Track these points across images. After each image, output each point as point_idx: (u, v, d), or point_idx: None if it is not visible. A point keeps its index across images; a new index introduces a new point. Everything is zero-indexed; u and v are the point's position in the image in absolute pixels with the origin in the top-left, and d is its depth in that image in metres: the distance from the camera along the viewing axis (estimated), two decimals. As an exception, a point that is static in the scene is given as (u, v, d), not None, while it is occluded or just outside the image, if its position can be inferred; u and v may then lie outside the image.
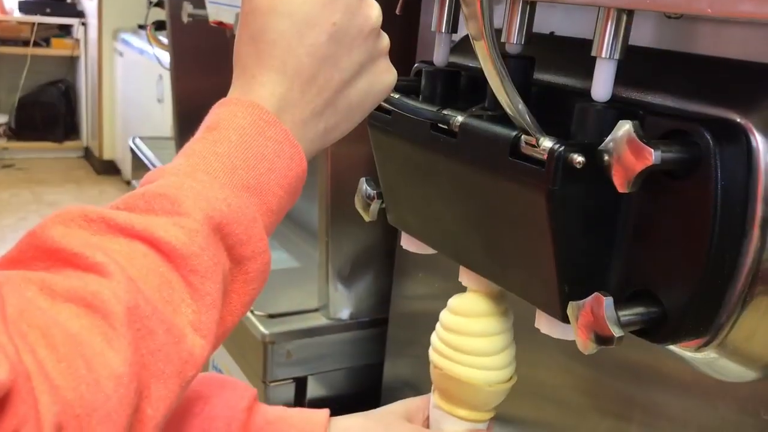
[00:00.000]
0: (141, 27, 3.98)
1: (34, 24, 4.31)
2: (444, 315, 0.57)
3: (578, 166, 0.41)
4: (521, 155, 0.43)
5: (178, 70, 1.38)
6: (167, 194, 0.39)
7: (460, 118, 0.48)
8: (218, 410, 0.57)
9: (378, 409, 0.61)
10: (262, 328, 0.84)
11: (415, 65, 0.60)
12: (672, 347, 0.47)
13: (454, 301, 0.57)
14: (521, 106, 0.42)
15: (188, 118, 1.42)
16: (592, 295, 0.42)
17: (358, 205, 0.65)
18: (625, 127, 0.39)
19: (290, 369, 0.86)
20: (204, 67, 1.38)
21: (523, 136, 0.43)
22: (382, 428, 0.58)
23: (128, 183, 3.66)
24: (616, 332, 0.41)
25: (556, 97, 0.51)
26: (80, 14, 4.41)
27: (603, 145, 0.40)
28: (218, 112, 0.44)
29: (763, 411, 0.48)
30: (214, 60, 1.38)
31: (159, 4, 2.19)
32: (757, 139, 0.41)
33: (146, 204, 0.39)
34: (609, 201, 0.43)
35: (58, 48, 4.44)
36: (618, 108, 0.44)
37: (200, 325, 0.38)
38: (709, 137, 0.40)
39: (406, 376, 0.87)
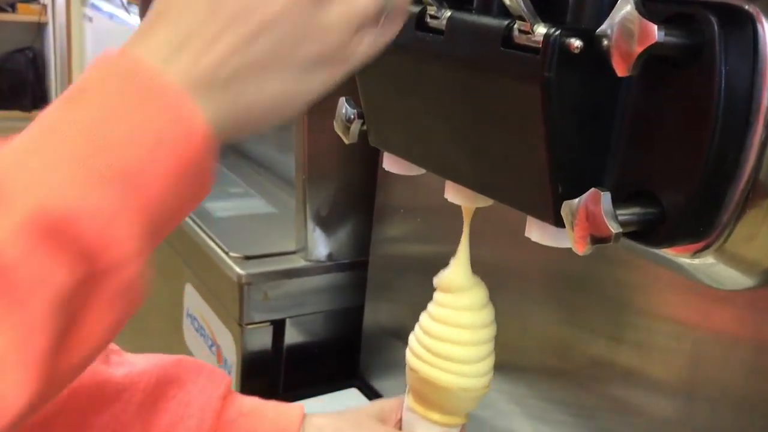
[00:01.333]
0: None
1: (-1, -12, 4.18)
2: (424, 318, 0.57)
3: (576, 51, 0.38)
4: (514, 45, 0.40)
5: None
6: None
7: (447, 13, 0.45)
8: (193, 396, 0.56)
9: (351, 409, 0.61)
10: (237, 269, 0.82)
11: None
12: (668, 254, 0.45)
13: (435, 309, 0.56)
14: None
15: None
16: (589, 191, 0.39)
17: (338, 128, 0.62)
18: (626, 7, 0.37)
19: (267, 312, 0.83)
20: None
21: (516, 24, 0.40)
22: (354, 428, 0.58)
23: None
24: (614, 228, 0.39)
25: None
26: (46, -22, 4.29)
27: (602, 27, 0.38)
28: (90, 71, 0.33)
29: (761, 322, 0.46)
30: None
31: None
32: (765, 26, 0.39)
33: None
34: (607, 92, 0.40)
35: (24, 13, 4.33)
36: (617, -5, 0.41)
37: (15, 361, 0.28)
38: (714, 22, 0.38)
39: (385, 321, 0.85)
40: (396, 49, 0.50)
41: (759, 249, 0.43)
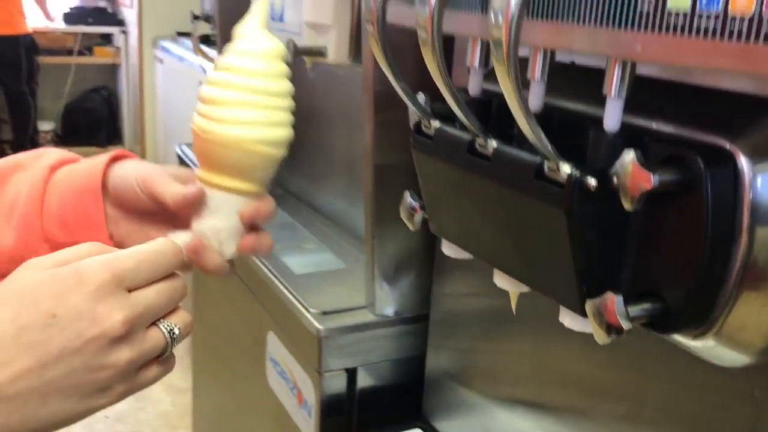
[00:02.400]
0: (180, 35, 4.13)
1: (77, 34, 4.48)
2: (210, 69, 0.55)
3: (592, 189, 0.49)
4: (545, 178, 0.52)
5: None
6: None
7: (493, 144, 0.57)
8: (29, 173, 0.60)
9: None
10: (316, 324, 0.94)
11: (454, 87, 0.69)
12: (675, 337, 0.55)
13: (220, 59, 0.54)
14: (542, 137, 0.51)
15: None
16: (605, 294, 0.50)
17: (403, 215, 0.74)
18: (629, 156, 0.48)
19: (342, 360, 0.95)
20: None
21: (546, 162, 0.52)
22: (154, 172, 0.58)
23: None
24: (626, 325, 0.49)
25: (575, 122, 0.59)
26: (121, 23, 4.57)
27: (612, 170, 0.49)
28: None
29: (756, 390, 0.56)
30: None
31: (207, 19, 2.30)
32: (743, 162, 0.49)
33: None
34: (618, 215, 0.51)
35: (101, 56, 4.62)
36: (625, 137, 0.52)
37: None
38: (700, 162, 0.48)
39: (446, 366, 0.96)
40: (451, 163, 0.62)
41: (751, 334, 0.53)
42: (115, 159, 0.61)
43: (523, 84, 0.49)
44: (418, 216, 0.72)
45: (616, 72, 0.49)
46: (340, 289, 1.06)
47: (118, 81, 4.73)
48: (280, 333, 1.08)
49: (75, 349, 0.41)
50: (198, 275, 1.58)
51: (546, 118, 0.55)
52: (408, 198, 0.73)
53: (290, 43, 1.04)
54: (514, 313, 0.65)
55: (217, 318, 1.49)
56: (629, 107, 0.53)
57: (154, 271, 0.46)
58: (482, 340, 0.90)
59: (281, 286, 1.06)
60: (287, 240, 1.28)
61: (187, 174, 0.59)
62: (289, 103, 0.56)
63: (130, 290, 0.44)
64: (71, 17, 4.53)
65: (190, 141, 3.00)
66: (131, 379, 0.44)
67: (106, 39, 4.64)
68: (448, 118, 0.64)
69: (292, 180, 1.53)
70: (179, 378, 2.35)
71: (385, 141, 0.93)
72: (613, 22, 0.46)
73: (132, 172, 0.59)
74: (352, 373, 0.96)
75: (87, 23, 4.52)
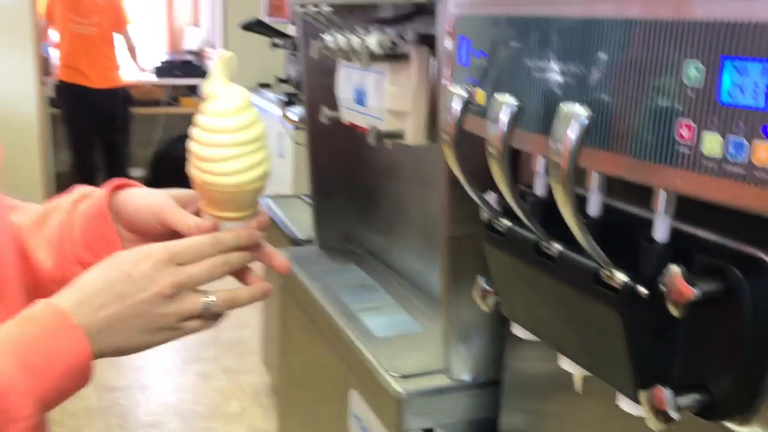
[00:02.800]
0: (261, 86, 4.35)
1: (167, 87, 4.78)
2: (194, 127, 0.63)
3: (642, 295, 0.57)
4: (602, 283, 0.60)
5: (314, 152, 1.61)
6: None
7: (558, 247, 0.65)
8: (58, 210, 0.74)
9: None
10: (397, 388, 1.03)
11: (519, 188, 0.77)
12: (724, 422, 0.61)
13: (198, 116, 0.63)
14: (597, 248, 0.59)
15: (324, 190, 1.65)
16: (656, 387, 0.58)
17: (476, 297, 0.82)
18: (674, 270, 0.55)
19: (420, 420, 1.04)
20: (335, 151, 1.61)
21: (603, 270, 0.60)
22: (155, 197, 0.70)
23: None
24: (675, 416, 0.56)
25: (630, 226, 0.67)
26: (205, 75, 4.85)
27: (660, 281, 0.56)
28: (35, 307, 0.58)
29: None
30: (345, 145, 1.60)
31: (288, 81, 2.47)
32: (779, 272, 0.56)
33: None
34: (667, 317, 0.58)
35: (187, 106, 4.90)
36: (673, 247, 0.59)
37: None
38: (739, 274, 0.55)
39: (519, 428, 1.03)
40: (520, 260, 0.70)
41: (792, 423, 0.59)
42: (117, 187, 0.73)
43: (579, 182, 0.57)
44: (491, 298, 0.80)
45: (662, 196, 0.57)
46: (417, 354, 1.14)
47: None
48: (363, 391, 1.17)
49: (140, 300, 0.60)
50: (286, 325, 1.69)
51: (603, 221, 0.63)
52: (481, 282, 0.81)
53: (373, 128, 1.15)
54: (579, 392, 0.72)
55: (301, 368, 1.59)
56: (677, 215, 0.60)
57: (198, 254, 0.62)
58: (552, 405, 0.97)
59: (364, 349, 1.15)
60: (367, 301, 1.38)
61: (188, 195, 0.71)
62: (263, 141, 0.64)
63: (181, 265, 0.61)
64: (161, 70, 4.84)
65: (273, 194, 3.17)
66: (177, 325, 0.62)
67: (192, 90, 4.93)
68: (512, 213, 0.72)
69: (370, 239, 1.63)
70: (261, 420, 2.47)
71: (459, 214, 1.01)
72: (658, 159, 0.53)
73: (143, 203, 0.71)
74: (429, 433, 1.04)
75: (175, 76, 4.81)
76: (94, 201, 0.72)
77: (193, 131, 0.63)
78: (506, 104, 0.61)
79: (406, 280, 1.46)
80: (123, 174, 4.60)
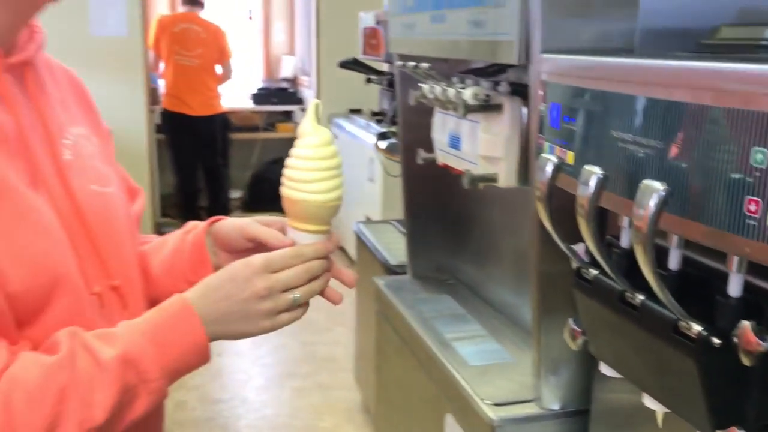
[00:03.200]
0: (351, 112, 4.53)
1: (263, 112, 5.04)
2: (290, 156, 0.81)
3: (717, 346, 0.64)
4: (680, 333, 0.67)
5: (409, 186, 1.72)
6: (115, 336, 0.71)
7: (640, 297, 0.73)
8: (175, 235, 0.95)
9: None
10: (491, 415, 1.12)
11: (607, 238, 0.85)
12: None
13: (293, 149, 0.79)
14: (675, 303, 0.66)
15: (418, 227, 1.75)
16: (731, 428, 0.65)
17: (566, 337, 0.91)
18: (745, 324, 0.62)
19: (512, 446, 1.12)
20: (429, 185, 1.71)
21: (681, 322, 0.67)
22: (243, 223, 0.87)
23: (352, 262, 4.04)
24: (749, 456, 0.63)
25: (707, 277, 0.74)
26: (300, 101, 5.08)
27: (733, 333, 0.64)
28: (170, 300, 0.76)
29: None
30: (438, 180, 1.70)
31: (379, 114, 2.60)
32: None
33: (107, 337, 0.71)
34: (740, 365, 0.65)
35: (282, 131, 5.14)
36: (745, 301, 0.66)
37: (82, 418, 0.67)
38: (808, 328, 0.62)
39: (605, 456, 1.10)
40: (605, 307, 0.78)
41: None
42: (214, 221, 0.92)
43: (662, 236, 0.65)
44: (579, 339, 0.88)
45: (735, 259, 0.64)
46: (508, 383, 1.23)
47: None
48: (458, 416, 1.26)
49: (242, 299, 0.75)
50: (381, 348, 1.80)
51: (682, 273, 0.70)
52: (571, 323, 0.89)
53: (468, 172, 1.25)
54: (660, 426, 0.80)
55: (396, 389, 1.70)
56: (750, 271, 0.67)
57: (285, 263, 0.77)
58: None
59: (458, 377, 1.24)
60: (460, 330, 1.47)
61: (268, 220, 0.87)
62: (341, 170, 0.81)
63: (274, 271, 0.77)
64: (258, 97, 5.11)
65: (364, 219, 3.30)
66: (273, 317, 0.77)
67: (287, 116, 5.17)
68: (596, 262, 0.81)
69: (462, 269, 1.72)
70: (354, 436, 2.59)
71: (549, 253, 1.09)
72: (729, 229, 0.61)
73: (231, 226, 0.89)
74: (521, 458, 1.12)
75: (272, 103, 5.06)
76: (196, 233, 0.92)
77: (290, 160, 0.80)
78: (594, 174, 0.70)
79: (497, 311, 1.54)
80: (224, 195, 4.87)
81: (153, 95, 4.57)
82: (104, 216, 0.81)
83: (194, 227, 0.94)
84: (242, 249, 0.87)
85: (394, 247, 2.41)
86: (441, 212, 1.74)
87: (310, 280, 0.79)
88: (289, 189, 0.80)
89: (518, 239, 1.46)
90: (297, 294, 0.77)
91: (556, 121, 0.89)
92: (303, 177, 0.78)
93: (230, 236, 0.89)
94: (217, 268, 0.88)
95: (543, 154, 0.81)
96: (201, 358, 0.75)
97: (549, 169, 0.79)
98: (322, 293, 0.82)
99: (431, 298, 1.65)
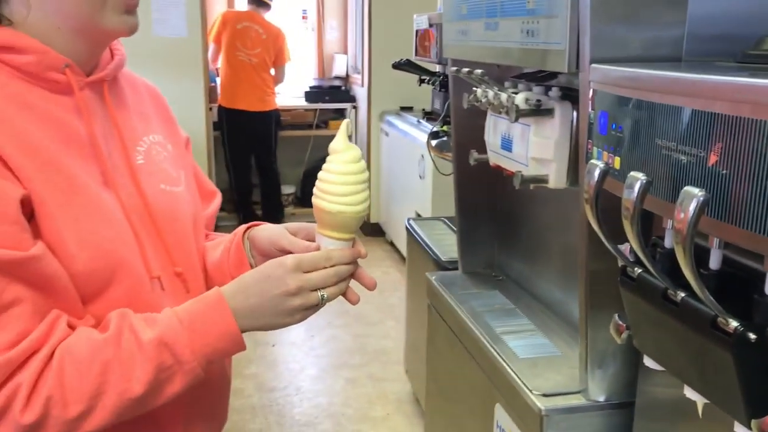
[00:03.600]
0: (402, 109, 4.60)
1: (316, 110, 5.14)
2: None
3: (752, 340, 0.69)
4: (718, 328, 0.73)
5: (460, 185, 1.78)
6: (156, 321, 0.80)
7: (681, 295, 0.78)
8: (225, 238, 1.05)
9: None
10: (539, 405, 1.18)
11: (653, 238, 0.90)
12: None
13: (325, 164, 0.87)
14: (713, 300, 0.71)
15: (469, 221, 1.81)
16: (765, 418, 0.69)
17: (612, 331, 0.96)
18: (779, 321, 0.67)
19: (559, 435, 1.18)
20: (480, 184, 1.77)
21: (719, 318, 0.72)
22: (275, 230, 0.96)
23: (402, 257, 4.08)
24: (780, 442, 0.68)
25: (745, 275, 0.79)
26: (352, 99, 5.17)
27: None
28: (209, 291, 0.84)
29: None
30: (489, 179, 1.76)
31: (431, 113, 2.66)
32: None
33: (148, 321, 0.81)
34: (775, 359, 0.70)
35: (335, 129, 5.20)
36: (782, 301, 0.71)
37: (123, 389, 0.78)
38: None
39: (649, 447, 1.15)
40: (649, 303, 0.84)
41: None
42: (250, 227, 1.01)
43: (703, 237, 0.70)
44: (624, 333, 0.93)
45: (771, 260, 0.69)
46: (556, 375, 1.28)
47: (350, 148, 5.30)
48: (507, 406, 1.32)
49: (274, 295, 0.82)
50: (432, 340, 1.87)
51: (722, 271, 0.75)
52: (617, 318, 0.95)
53: (519, 173, 1.30)
54: (700, 416, 0.84)
55: (447, 380, 1.77)
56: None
57: (315, 264, 0.85)
58: (679, 427, 1.08)
59: (509, 369, 1.31)
60: (509, 324, 1.53)
61: (298, 227, 0.96)
62: (368, 184, 0.88)
63: (305, 272, 0.84)
64: (311, 95, 5.21)
65: (414, 215, 3.37)
66: (301, 313, 0.84)
67: (340, 113, 5.27)
68: (640, 261, 0.86)
69: (512, 266, 1.78)
70: (405, 426, 2.67)
71: (596, 250, 1.14)
72: (765, 233, 0.66)
73: (264, 236, 0.97)
74: (567, 446, 1.18)
75: (324, 101, 5.17)
76: (237, 235, 1.02)
77: (323, 174, 0.87)
78: (639, 179, 0.76)
79: (545, 306, 1.60)
80: (277, 191, 4.99)
81: (212, 94, 4.71)
82: (170, 211, 0.91)
83: (238, 231, 1.04)
84: (274, 256, 0.94)
85: (444, 243, 2.48)
86: (491, 210, 1.80)
87: (337, 282, 0.86)
88: (322, 200, 0.87)
89: (566, 237, 1.51)
90: (325, 293, 0.85)
91: (604, 128, 0.94)
92: (335, 190, 0.85)
93: (263, 244, 0.97)
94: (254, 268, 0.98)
95: (592, 160, 0.87)
96: (234, 345, 0.83)
97: (596, 173, 0.84)
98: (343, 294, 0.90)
99: (482, 293, 1.71)
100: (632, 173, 0.77)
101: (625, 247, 0.91)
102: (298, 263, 0.83)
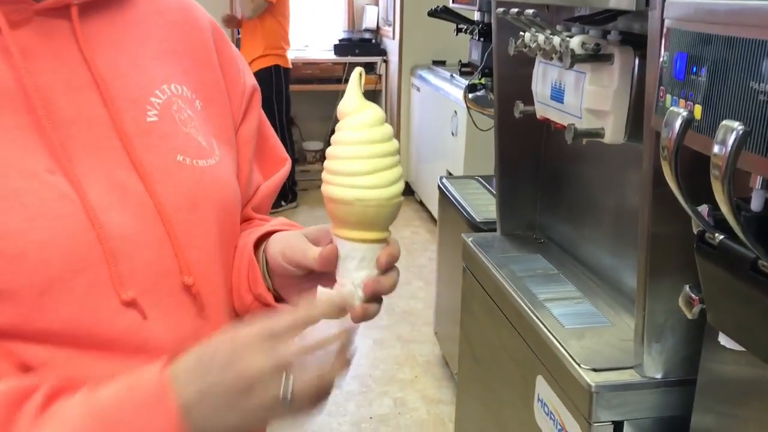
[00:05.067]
0: (435, 63, 4.44)
1: (345, 64, 4.99)
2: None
3: None
4: (759, 271, 0.61)
5: (502, 140, 1.66)
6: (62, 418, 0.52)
7: (774, 266, 0.67)
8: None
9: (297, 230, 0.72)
10: (588, 380, 1.08)
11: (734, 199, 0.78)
12: None
13: (335, 134, 0.61)
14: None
15: (509, 183, 1.70)
16: None
17: (682, 304, 0.85)
18: None
19: (610, 413, 1.08)
20: (523, 138, 1.65)
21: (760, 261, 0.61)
22: (294, 237, 0.68)
23: (432, 217, 4.00)
24: None
25: None
26: (383, 53, 5.01)
27: None
28: (148, 375, 0.55)
29: None
30: (533, 132, 1.64)
31: (468, 65, 2.52)
32: None
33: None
34: None
35: (365, 83, 5.08)
36: None
37: None
38: None
39: (713, 429, 1.04)
40: (734, 275, 0.72)
41: None
42: (264, 236, 0.74)
43: None
44: (697, 308, 0.82)
45: None
46: (606, 348, 1.18)
47: (379, 105, 5.17)
48: (550, 379, 1.22)
49: (226, 387, 0.55)
50: (467, 304, 1.78)
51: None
52: (687, 290, 0.84)
53: (571, 126, 1.18)
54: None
55: (481, 346, 1.67)
56: None
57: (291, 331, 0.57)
58: (750, 410, 0.97)
59: (553, 339, 1.20)
60: (552, 290, 1.43)
61: (319, 231, 0.68)
62: (398, 156, 0.62)
63: (275, 343, 0.56)
64: (340, 48, 5.06)
65: (446, 174, 3.25)
66: (259, 418, 0.57)
67: (370, 67, 5.10)
68: (730, 229, 0.74)
69: (556, 228, 1.66)
70: (433, 388, 2.60)
71: (661, 212, 1.02)
72: None
73: (277, 249, 0.70)
74: (618, 426, 1.08)
75: (354, 54, 5.01)
76: (249, 246, 0.74)
77: (334, 149, 0.61)
78: (734, 129, 0.64)
79: (592, 272, 1.48)
80: (292, 150, 4.74)
81: (238, 46, 4.58)
82: (188, 194, 0.65)
83: (249, 233, 0.76)
84: (289, 275, 0.69)
85: (478, 203, 2.37)
86: (534, 168, 1.68)
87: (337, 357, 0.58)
88: (334, 186, 0.60)
89: (618, 198, 1.39)
90: (290, 386, 0.55)
91: (681, 72, 0.82)
92: (350, 168, 0.59)
93: (275, 263, 0.70)
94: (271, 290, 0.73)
95: (672, 108, 0.75)
96: None
97: (678, 123, 0.72)
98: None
99: (522, 256, 1.60)
100: (726, 122, 0.65)
101: (702, 209, 0.79)
102: (264, 331, 0.56)
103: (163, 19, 0.72)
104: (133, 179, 0.62)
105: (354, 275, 0.63)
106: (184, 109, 0.69)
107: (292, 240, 0.69)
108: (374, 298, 0.63)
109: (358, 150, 0.59)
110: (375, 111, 0.61)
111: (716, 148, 0.65)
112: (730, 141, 0.64)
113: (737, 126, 0.64)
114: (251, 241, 0.73)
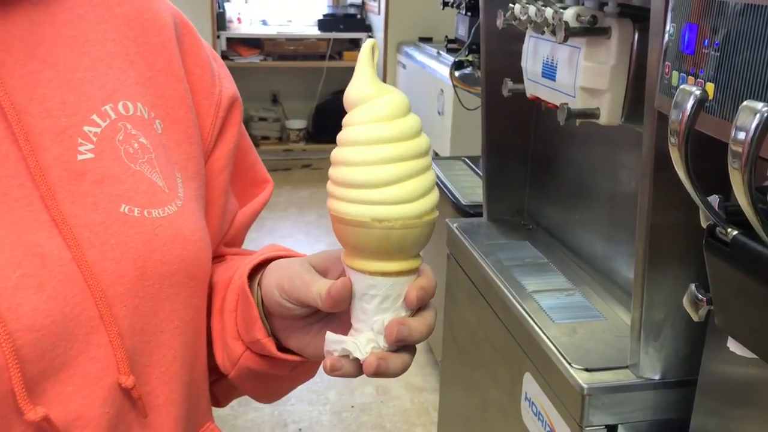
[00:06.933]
0: (421, 40, 4.32)
1: (330, 40, 4.86)
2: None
3: None
4: None
5: (490, 121, 1.57)
6: None
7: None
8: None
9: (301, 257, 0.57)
10: (580, 381, 0.99)
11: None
12: None
13: (341, 133, 0.47)
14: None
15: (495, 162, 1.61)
16: None
17: (687, 305, 0.77)
18: None
19: (603, 416, 1.00)
20: (511, 119, 1.56)
21: None
22: (294, 266, 0.53)
23: None
24: None
25: None
26: (368, 29, 4.88)
27: None
28: None
29: None
30: (522, 113, 1.55)
31: (455, 41, 2.42)
32: None
33: None
34: None
35: (349, 60, 4.96)
36: None
37: None
38: None
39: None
40: (748, 274, 0.64)
41: None
42: (260, 264, 0.57)
43: None
44: (704, 309, 0.74)
45: None
46: (599, 345, 1.10)
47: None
48: (539, 377, 1.14)
49: None
50: (451, 293, 1.70)
51: None
52: (693, 289, 0.75)
53: (564, 106, 1.09)
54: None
55: (466, 337, 1.59)
56: None
57: None
58: (754, 414, 0.89)
59: (542, 335, 1.12)
60: (541, 281, 1.34)
61: (329, 257, 0.53)
62: (430, 158, 0.47)
63: None
64: (324, 24, 4.92)
65: (432, 155, 3.15)
66: None
67: (354, 44, 4.98)
68: (743, 223, 0.66)
69: (546, 214, 1.58)
70: (417, 376, 2.52)
71: (663, 200, 0.93)
72: None
73: (273, 281, 0.54)
74: (612, 430, 1.00)
75: (338, 29, 4.88)
76: (241, 276, 0.58)
77: (344, 152, 0.46)
78: (758, 111, 0.55)
79: (584, 261, 1.40)
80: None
81: (219, 20, 4.45)
82: (134, 260, 0.48)
83: (238, 264, 0.60)
84: (292, 314, 0.54)
85: (464, 185, 2.28)
86: (523, 150, 1.59)
87: None
88: (344, 202, 0.45)
89: (613, 183, 1.30)
90: None
91: (691, 45, 0.73)
92: (369, 178, 0.44)
93: (271, 299, 0.54)
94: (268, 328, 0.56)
95: (683, 86, 0.65)
96: None
97: (690, 103, 0.63)
98: None
99: (510, 244, 1.52)
100: (747, 103, 0.57)
101: (713, 201, 0.70)
102: None
103: (108, 12, 0.54)
104: (56, 244, 0.45)
105: (374, 318, 0.47)
106: (134, 137, 0.51)
107: (293, 269, 0.52)
108: (401, 346, 0.48)
109: (376, 152, 0.44)
110: (396, 97, 0.46)
111: (737, 134, 0.56)
112: (753, 125, 0.55)
113: (761, 107, 0.55)
114: (244, 273, 0.56)
